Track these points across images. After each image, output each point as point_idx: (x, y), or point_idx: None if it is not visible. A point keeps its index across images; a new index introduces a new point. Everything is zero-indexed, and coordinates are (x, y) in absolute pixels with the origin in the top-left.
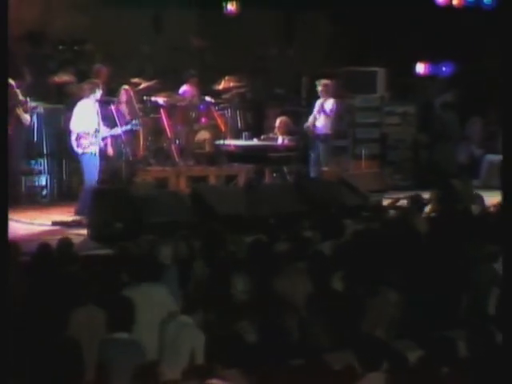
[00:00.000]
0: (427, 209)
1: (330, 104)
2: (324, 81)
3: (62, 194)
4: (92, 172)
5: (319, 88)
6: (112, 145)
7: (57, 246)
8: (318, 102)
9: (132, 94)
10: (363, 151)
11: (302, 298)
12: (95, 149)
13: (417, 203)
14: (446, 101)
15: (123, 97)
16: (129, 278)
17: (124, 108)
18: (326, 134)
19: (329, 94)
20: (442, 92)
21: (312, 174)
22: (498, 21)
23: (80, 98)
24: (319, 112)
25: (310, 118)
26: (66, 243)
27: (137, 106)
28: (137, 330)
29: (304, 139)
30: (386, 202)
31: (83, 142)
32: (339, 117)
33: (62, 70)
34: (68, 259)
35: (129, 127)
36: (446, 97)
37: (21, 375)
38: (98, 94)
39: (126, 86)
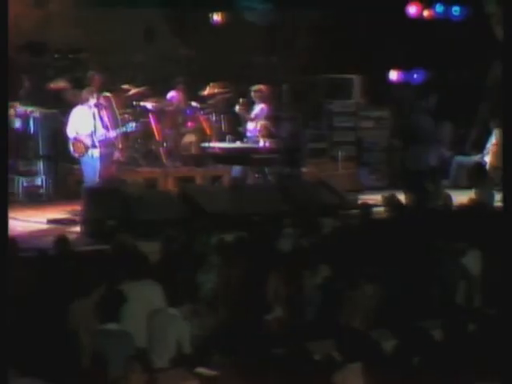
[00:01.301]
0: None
1: (266, 109)
2: (258, 86)
3: (58, 194)
4: (90, 174)
5: (253, 94)
6: (106, 147)
7: (54, 243)
8: (257, 108)
9: (112, 100)
10: (340, 153)
11: (283, 292)
12: (92, 152)
13: (391, 203)
14: (426, 106)
15: (104, 103)
16: (121, 273)
17: (104, 114)
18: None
19: (261, 99)
20: (415, 98)
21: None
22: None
23: (76, 104)
24: (258, 117)
25: (249, 123)
26: (62, 240)
27: (118, 112)
28: (128, 321)
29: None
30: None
31: (80, 145)
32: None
33: (59, 77)
34: (65, 255)
35: (124, 129)
36: (426, 102)
37: (21, 365)
38: (93, 100)
39: (108, 93)
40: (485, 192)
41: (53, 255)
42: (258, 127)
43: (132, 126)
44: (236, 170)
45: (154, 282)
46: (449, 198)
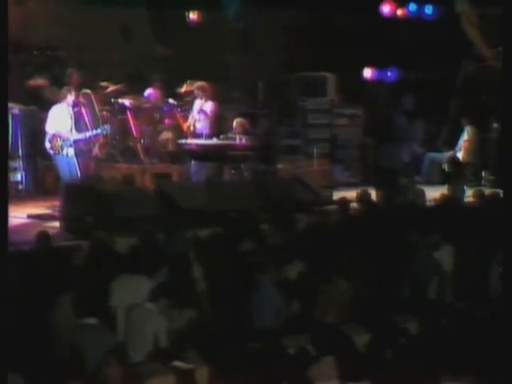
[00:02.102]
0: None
1: (208, 106)
2: (200, 83)
3: (37, 190)
4: (66, 171)
5: (195, 91)
6: (82, 145)
7: (36, 239)
8: (197, 104)
9: (93, 97)
10: (315, 150)
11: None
12: (67, 150)
13: (364, 199)
14: (399, 104)
15: (84, 100)
16: (104, 268)
17: (84, 111)
18: (206, 134)
19: (206, 96)
20: (389, 96)
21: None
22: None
23: (55, 102)
24: (198, 113)
25: (189, 119)
26: (44, 236)
27: (97, 109)
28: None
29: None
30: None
31: (56, 143)
32: (216, 117)
33: (37, 74)
34: (46, 250)
35: (99, 131)
36: (399, 100)
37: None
38: (71, 99)
39: (88, 91)
40: (459, 187)
41: (34, 250)
42: (234, 124)
43: (106, 128)
44: (195, 166)
45: (136, 277)
46: (422, 193)
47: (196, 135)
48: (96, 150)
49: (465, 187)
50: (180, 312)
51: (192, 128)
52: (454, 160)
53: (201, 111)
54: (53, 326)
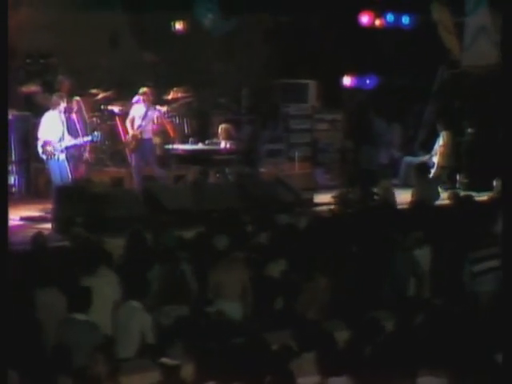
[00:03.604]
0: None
1: (152, 111)
2: (144, 89)
3: (29, 193)
4: (58, 175)
5: (140, 97)
6: (73, 151)
7: (32, 239)
8: (142, 110)
9: (82, 104)
10: (296, 154)
11: (240, 285)
12: (59, 155)
13: (343, 199)
14: (377, 109)
15: (75, 107)
16: (87, 266)
17: (74, 117)
18: (150, 139)
19: (149, 101)
20: (367, 102)
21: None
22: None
23: (47, 109)
24: (143, 118)
25: (136, 125)
26: (40, 236)
27: (87, 115)
28: (94, 312)
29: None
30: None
31: (48, 148)
32: (160, 122)
33: (30, 81)
34: (41, 250)
35: (90, 138)
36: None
37: None
38: (63, 105)
39: (78, 97)
40: (426, 189)
41: (30, 250)
42: (219, 130)
43: (97, 135)
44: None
45: (110, 274)
46: (388, 191)
47: (142, 139)
48: (86, 155)
49: (435, 188)
50: (168, 309)
51: (139, 135)
52: (420, 164)
53: (145, 116)
54: (40, 323)
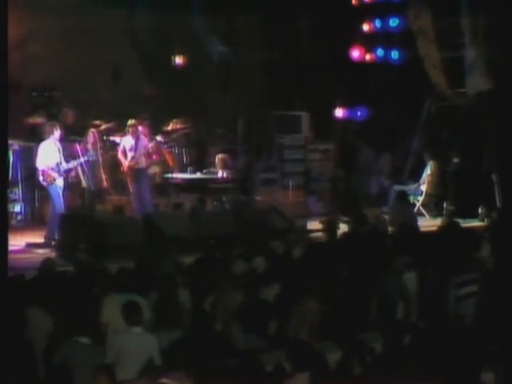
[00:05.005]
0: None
1: (142, 142)
2: (131, 121)
3: (35, 220)
4: (57, 202)
5: (129, 129)
6: (76, 177)
7: (42, 265)
8: (131, 142)
9: (97, 136)
10: (290, 183)
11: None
12: (59, 181)
13: (330, 227)
14: (367, 140)
15: (91, 138)
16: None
17: (90, 148)
18: (143, 169)
19: (137, 133)
20: (358, 133)
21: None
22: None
23: (43, 139)
24: (134, 150)
25: (129, 156)
26: (49, 262)
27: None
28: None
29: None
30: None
31: (48, 176)
32: (148, 153)
33: (35, 112)
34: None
35: (85, 158)
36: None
37: None
38: (57, 133)
39: (93, 129)
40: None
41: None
42: (216, 160)
43: (92, 155)
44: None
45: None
46: (379, 218)
47: (136, 170)
48: (85, 183)
49: (412, 212)
50: (167, 332)
51: (134, 165)
52: (400, 191)
53: (135, 148)
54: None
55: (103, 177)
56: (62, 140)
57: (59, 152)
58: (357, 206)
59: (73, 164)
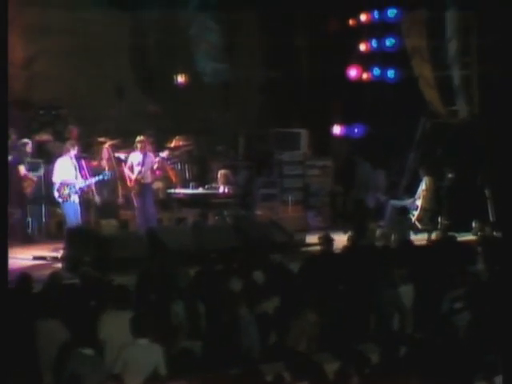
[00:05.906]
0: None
1: (149, 158)
2: (140, 137)
3: (42, 234)
4: (72, 217)
5: (137, 145)
6: (88, 193)
7: (49, 278)
8: (139, 157)
9: (111, 152)
10: (290, 198)
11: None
12: (74, 197)
13: (326, 241)
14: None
15: (105, 155)
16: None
17: (104, 164)
18: (149, 184)
19: (145, 149)
20: (355, 149)
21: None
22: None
23: (58, 155)
24: (141, 165)
25: (136, 171)
26: (56, 275)
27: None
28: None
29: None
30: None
31: (63, 192)
32: (153, 169)
33: (42, 130)
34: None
35: (101, 177)
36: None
37: None
38: (73, 152)
39: (107, 145)
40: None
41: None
42: (218, 176)
43: (108, 174)
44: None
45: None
46: (388, 237)
47: (143, 184)
48: (97, 198)
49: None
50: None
51: (140, 180)
52: (401, 208)
53: (143, 163)
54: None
55: (120, 192)
56: (77, 157)
57: (75, 170)
58: (358, 219)
59: (88, 182)
